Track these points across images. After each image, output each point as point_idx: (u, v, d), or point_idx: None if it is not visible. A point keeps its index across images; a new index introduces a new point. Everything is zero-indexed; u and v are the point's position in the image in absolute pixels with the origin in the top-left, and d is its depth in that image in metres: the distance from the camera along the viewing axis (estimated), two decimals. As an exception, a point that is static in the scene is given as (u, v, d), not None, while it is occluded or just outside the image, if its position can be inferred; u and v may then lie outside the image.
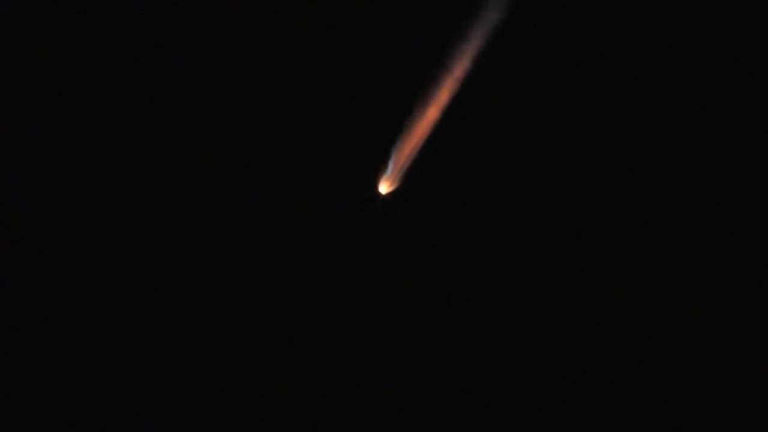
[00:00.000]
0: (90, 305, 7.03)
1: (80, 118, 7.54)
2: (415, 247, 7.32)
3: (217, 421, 6.76)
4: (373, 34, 7.51)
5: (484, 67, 7.13)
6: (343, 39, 7.54)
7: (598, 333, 6.90)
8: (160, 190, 7.36)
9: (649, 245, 7.03)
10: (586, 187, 7.23)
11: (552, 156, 7.32)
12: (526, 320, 7.06)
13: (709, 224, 6.98)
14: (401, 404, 6.87)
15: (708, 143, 7.07)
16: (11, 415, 6.63)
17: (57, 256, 7.15)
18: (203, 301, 7.12)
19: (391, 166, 7.37)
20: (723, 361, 6.66)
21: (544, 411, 6.74)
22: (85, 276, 7.11)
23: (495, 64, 7.21)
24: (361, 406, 6.86)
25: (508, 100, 7.44)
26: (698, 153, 7.07)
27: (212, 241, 7.26)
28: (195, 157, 7.42)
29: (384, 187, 7.50)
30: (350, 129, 7.47)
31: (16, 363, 6.79)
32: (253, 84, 7.59)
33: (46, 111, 7.56)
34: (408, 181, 7.40)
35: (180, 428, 6.72)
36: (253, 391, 6.87)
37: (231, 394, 6.84)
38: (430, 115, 7.21)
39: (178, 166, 7.41)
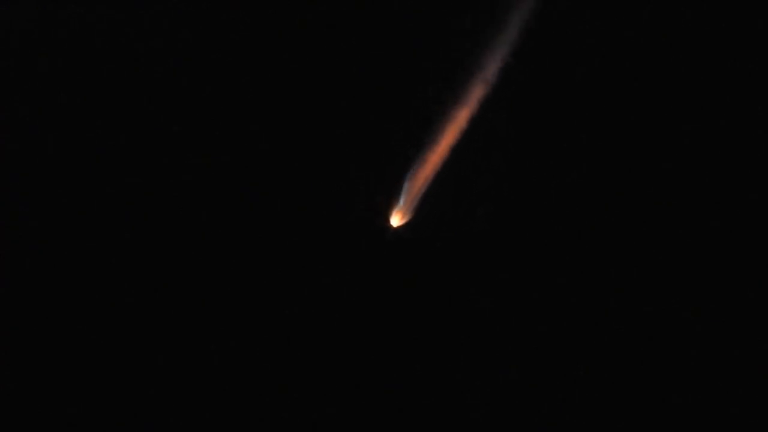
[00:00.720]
0: (90, 305, 7.09)
1: (80, 118, 7.45)
2: (427, 280, 7.31)
3: (217, 421, 6.89)
4: (386, 65, 7.28)
5: (497, 98, 6.96)
6: (357, 66, 7.30)
7: (600, 335, 6.99)
8: (160, 190, 7.36)
9: (651, 246, 7.06)
10: (602, 214, 7.18)
11: (567, 194, 7.22)
12: (529, 336, 7.11)
13: (709, 224, 6.99)
14: (401, 404, 7.04)
15: (708, 143, 7.00)
16: (11, 415, 6.72)
17: (57, 256, 7.18)
18: (203, 303, 7.20)
19: (402, 197, 7.27)
20: (723, 361, 6.71)
21: (544, 411, 6.86)
22: (85, 276, 7.16)
23: (508, 95, 7.03)
24: (361, 406, 7.03)
25: (523, 132, 7.29)
26: (698, 153, 7.02)
27: (214, 249, 7.32)
28: (195, 161, 7.39)
29: (396, 220, 7.41)
30: (362, 160, 7.37)
31: (16, 363, 6.87)
32: (264, 104, 7.43)
33: (46, 111, 7.45)
34: (420, 214, 7.31)
35: (180, 428, 6.86)
36: (253, 390, 7.01)
37: (231, 393, 6.97)
38: (444, 146, 7.08)
39: (179, 167, 7.40)
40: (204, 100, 7.51)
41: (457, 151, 7.14)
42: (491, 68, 6.96)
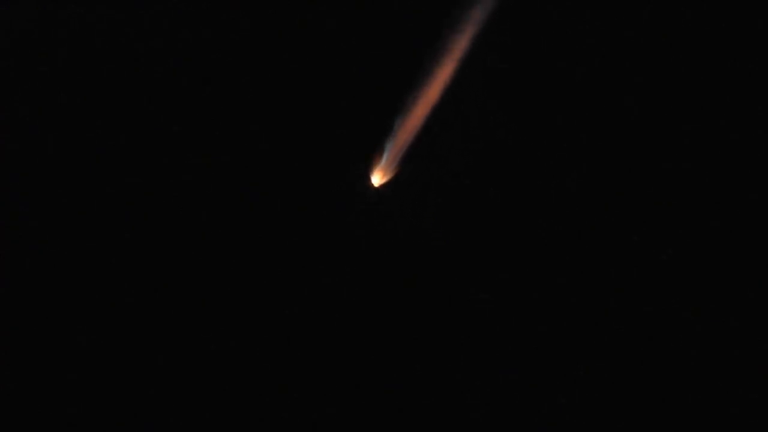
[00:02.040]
0: (90, 305, 6.88)
1: (80, 118, 7.46)
2: (410, 242, 7.00)
3: (217, 421, 6.62)
4: (366, 21, 7.33)
5: (480, 56, 6.94)
6: (336, 27, 7.36)
7: (598, 333, 6.69)
8: (160, 190, 7.24)
9: (649, 245, 6.87)
10: (586, 180, 6.98)
11: (552, 149, 7.06)
12: (525, 317, 6.71)
13: (709, 224, 6.85)
14: (401, 404, 6.68)
15: (708, 143, 6.94)
16: (11, 416, 6.54)
17: (57, 256, 7.01)
18: (202, 298, 6.92)
19: (384, 156, 7.04)
20: (723, 361, 6.50)
21: (544, 411, 6.53)
22: (84, 276, 6.96)
23: (492, 53, 7.04)
24: (360, 407, 6.68)
25: (507, 89, 7.19)
26: (698, 153, 6.94)
27: (205, 234, 7.03)
28: (191, 152, 7.29)
29: (377, 178, 7.17)
30: (342, 117, 7.22)
31: (16, 363, 6.68)
32: (245, 73, 7.42)
33: (46, 111, 7.50)
34: (402, 172, 7.09)
35: (180, 428, 6.60)
36: (253, 391, 6.68)
37: (231, 394, 6.65)
38: (425, 102, 6.94)
39: (176, 164, 7.32)
40: (202, 100, 7.54)
41: (441, 102, 7.02)
42: (476, 20, 6.96)
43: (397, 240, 7.04)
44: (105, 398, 6.61)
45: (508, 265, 6.91)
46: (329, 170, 7.20)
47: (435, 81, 6.98)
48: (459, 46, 6.94)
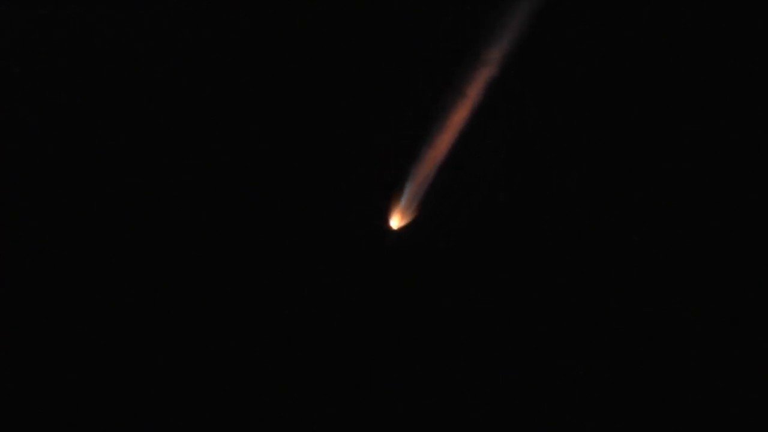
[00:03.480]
0: (90, 305, 6.91)
1: (80, 118, 7.34)
2: (429, 285, 7.01)
3: (217, 422, 6.71)
4: (386, 61, 7.21)
5: (500, 93, 6.88)
6: (358, 65, 7.23)
7: (602, 337, 6.81)
8: (160, 190, 7.22)
9: (652, 248, 6.95)
10: (603, 220, 7.02)
11: (568, 195, 7.05)
12: (539, 363, 6.80)
13: (709, 224, 6.90)
14: (402, 409, 6.74)
15: (708, 143, 6.95)
16: (11, 415, 6.57)
17: (57, 257, 7.00)
18: (202, 303, 6.98)
19: (403, 198, 7.01)
20: (723, 361, 6.59)
21: (545, 412, 6.65)
22: (84, 276, 6.98)
23: (511, 90, 6.95)
24: (361, 410, 6.75)
25: (522, 131, 7.14)
26: (698, 153, 6.96)
27: (213, 249, 7.09)
28: (194, 161, 7.24)
29: (396, 221, 7.14)
30: (361, 160, 7.18)
31: (16, 363, 6.71)
32: (262, 104, 7.31)
33: (46, 111, 7.33)
34: (422, 214, 7.07)
35: (180, 428, 6.68)
36: (252, 393, 6.78)
37: (229, 395, 6.75)
38: (443, 146, 6.89)
39: (178, 168, 7.25)
40: (203, 99, 7.41)
41: (459, 147, 6.97)
42: (490, 67, 6.86)
43: (415, 283, 7.07)
44: (105, 398, 6.68)
45: (526, 311, 6.97)
46: (348, 212, 7.18)
47: (452, 124, 6.92)
48: (475, 89, 6.87)
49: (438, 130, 6.96)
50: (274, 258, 7.09)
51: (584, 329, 6.84)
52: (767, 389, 6.44)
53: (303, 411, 6.68)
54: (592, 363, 6.75)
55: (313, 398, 6.74)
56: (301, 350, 6.91)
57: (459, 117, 6.93)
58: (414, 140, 7.02)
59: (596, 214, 7.06)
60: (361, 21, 7.32)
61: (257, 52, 7.44)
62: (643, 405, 6.59)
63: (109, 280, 6.98)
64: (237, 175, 7.25)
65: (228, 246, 7.12)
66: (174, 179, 7.24)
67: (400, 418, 6.64)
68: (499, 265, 7.08)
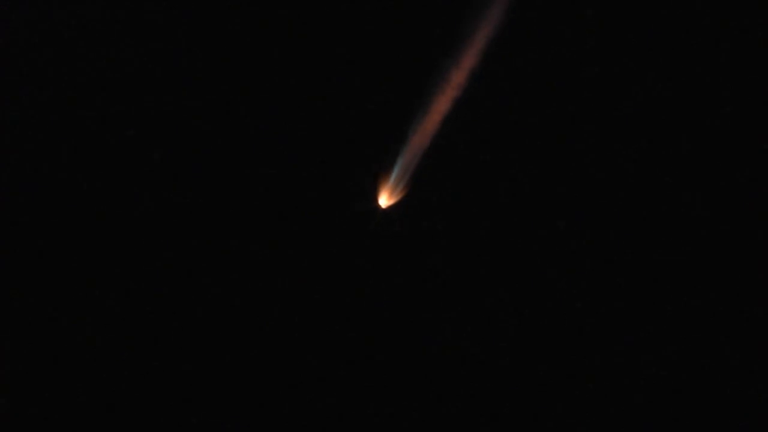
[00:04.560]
0: (90, 305, 6.95)
1: (79, 118, 7.36)
2: (417, 264, 7.01)
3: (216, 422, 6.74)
4: (373, 39, 7.16)
5: (487, 73, 6.83)
6: (343, 44, 7.19)
7: (602, 340, 6.80)
8: (158, 191, 7.22)
9: (654, 251, 6.89)
10: (594, 191, 6.96)
11: (559, 171, 6.99)
12: (531, 336, 6.83)
13: (710, 225, 6.84)
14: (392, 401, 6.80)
15: (708, 144, 6.87)
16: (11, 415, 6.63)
17: (57, 257, 7.05)
18: (198, 302, 7.01)
19: (392, 177, 6.98)
20: (723, 361, 6.58)
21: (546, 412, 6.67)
22: (84, 276, 7.02)
23: (499, 70, 6.91)
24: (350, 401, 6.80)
25: (514, 106, 7.08)
26: (699, 154, 6.88)
27: (204, 239, 7.09)
28: (191, 156, 7.24)
29: (384, 199, 7.12)
30: (349, 140, 7.15)
31: (16, 363, 6.77)
32: (249, 87, 7.29)
33: (46, 111, 7.37)
34: (410, 192, 7.03)
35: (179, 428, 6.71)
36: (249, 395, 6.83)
37: (228, 396, 6.80)
38: (432, 124, 6.84)
39: (175, 167, 7.27)
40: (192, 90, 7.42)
41: (447, 125, 6.94)
42: (485, 38, 6.82)
43: (404, 262, 7.07)
44: (105, 398, 6.72)
45: (515, 288, 6.97)
46: (336, 191, 7.18)
47: (441, 103, 6.89)
48: (464, 69, 6.83)
49: (425, 111, 6.93)
50: (264, 239, 7.12)
51: (572, 315, 6.87)
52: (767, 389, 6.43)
53: (297, 400, 6.75)
54: (580, 355, 6.78)
55: (307, 385, 6.80)
56: (293, 333, 6.94)
57: (446, 98, 6.91)
58: (402, 121, 7.00)
59: (588, 193, 7.02)
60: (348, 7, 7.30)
61: (237, 40, 7.43)
62: (643, 405, 6.59)
63: (108, 280, 7.03)
64: (224, 154, 7.27)
65: (218, 225, 7.17)
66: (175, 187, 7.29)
67: (395, 405, 6.72)
68: (487, 246, 7.05)
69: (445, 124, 6.96)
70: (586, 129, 7.03)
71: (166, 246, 7.12)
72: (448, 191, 7.14)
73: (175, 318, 6.97)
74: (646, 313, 6.78)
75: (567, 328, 6.83)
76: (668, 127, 6.93)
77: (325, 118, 7.24)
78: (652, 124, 6.95)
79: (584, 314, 6.84)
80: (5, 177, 7.22)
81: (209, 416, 6.73)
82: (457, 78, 6.86)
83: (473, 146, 7.12)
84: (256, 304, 7.02)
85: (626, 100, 6.98)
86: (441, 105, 6.92)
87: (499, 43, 6.80)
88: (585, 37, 6.99)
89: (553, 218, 6.99)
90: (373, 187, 7.13)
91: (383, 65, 7.17)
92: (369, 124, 7.17)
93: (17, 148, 7.28)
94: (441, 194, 7.13)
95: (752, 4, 6.74)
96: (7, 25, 7.71)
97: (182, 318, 6.97)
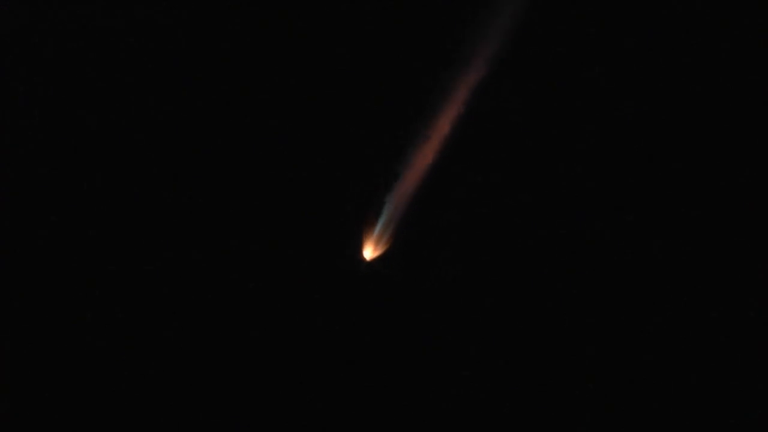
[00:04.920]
0: (89, 306, 6.91)
1: (79, 118, 7.32)
2: (401, 316, 6.98)
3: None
4: (357, 96, 7.25)
5: (469, 132, 6.95)
6: (329, 98, 7.28)
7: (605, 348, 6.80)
8: (155, 196, 7.20)
9: (658, 256, 6.88)
10: (579, 256, 6.98)
11: (541, 227, 7.05)
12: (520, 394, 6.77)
13: (710, 226, 6.82)
14: None
15: (709, 145, 6.87)
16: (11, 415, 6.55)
17: (56, 257, 7.00)
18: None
19: (376, 230, 7.01)
20: (723, 362, 6.55)
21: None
22: (84, 277, 6.97)
23: (482, 122, 7.00)
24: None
25: (500, 159, 7.15)
26: (699, 154, 6.88)
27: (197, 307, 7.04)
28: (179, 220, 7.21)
29: (368, 253, 7.11)
30: (335, 192, 7.20)
31: (16, 363, 6.71)
32: (232, 140, 7.31)
33: (45, 111, 7.33)
34: (395, 245, 7.05)
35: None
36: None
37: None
38: (416, 179, 6.94)
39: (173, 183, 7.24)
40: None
41: (436, 173, 7.04)
42: (467, 91, 6.92)
43: (387, 314, 7.04)
44: (104, 398, 6.69)
45: (500, 340, 6.94)
46: (321, 244, 7.18)
47: (425, 158, 6.98)
48: (446, 123, 6.92)
49: (409, 163, 7.02)
50: (248, 290, 7.10)
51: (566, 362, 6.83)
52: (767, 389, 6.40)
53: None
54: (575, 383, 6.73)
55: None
56: (276, 386, 6.88)
57: (429, 151, 7.00)
58: (387, 172, 7.09)
59: (566, 253, 7.03)
60: (332, 57, 7.33)
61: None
62: (642, 405, 6.56)
63: (107, 280, 7.00)
64: (215, 203, 7.28)
65: (207, 274, 7.13)
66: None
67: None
68: (471, 295, 7.05)
69: (429, 177, 7.05)
70: (570, 188, 7.09)
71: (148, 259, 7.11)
72: (433, 243, 7.16)
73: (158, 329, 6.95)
74: (646, 313, 6.77)
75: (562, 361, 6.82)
76: (669, 131, 6.95)
77: (313, 170, 7.28)
78: (655, 139, 6.97)
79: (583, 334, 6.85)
80: (5, 177, 7.18)
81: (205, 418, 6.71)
82: (439, 135, 6.95)
83: (455, 202, 7.19)
84: (243, 359, 6.96)
85: (628, 135, 7.01)
86: (425, 159, 7.00)
87: (481, 95, 6.89)
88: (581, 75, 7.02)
89: (540, 271, 7.01)
90: (358, 240, 7.15)
91: (367, 119, 7.24)
92: (355, 178, 7.22)
93: (17, 148, 7.24)
94: (425, 247, 7.15)
95: (752, 4, 6.75)
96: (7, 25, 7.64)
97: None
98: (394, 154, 7.01)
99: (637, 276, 6.88)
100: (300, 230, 7.17)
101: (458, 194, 7.15)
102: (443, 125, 6.92)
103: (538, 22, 6.84)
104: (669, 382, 6.59)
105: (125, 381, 6.73)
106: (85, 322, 6.88)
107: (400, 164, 6.99)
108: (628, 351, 6.74)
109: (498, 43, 6.75)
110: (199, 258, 7.10)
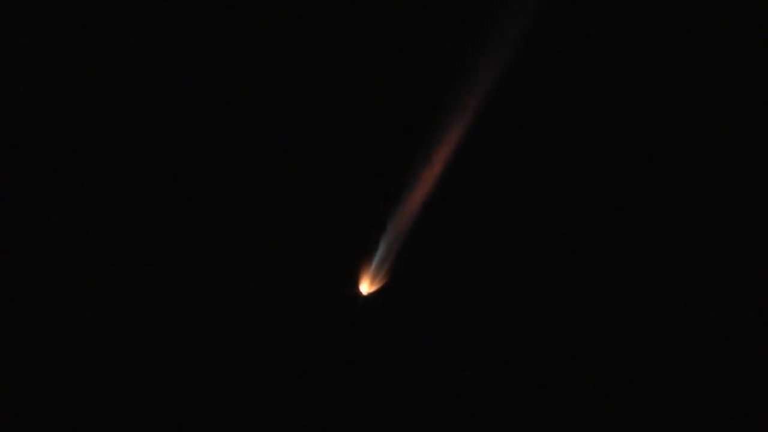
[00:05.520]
0: (89, 306, 6.86)
1: (79, 118, 7.21)
2: (398, 352, 6.96)
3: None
4: (353, 127, 7.21)
5: (464, 168, 6.95)
6: (325, 134, 7.24)
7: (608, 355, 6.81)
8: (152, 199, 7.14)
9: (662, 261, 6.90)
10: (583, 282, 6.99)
11: (541, 260, 7.05)
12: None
13: (710, 226, 6.84)
14: None
15: (709, 145, 6.89)
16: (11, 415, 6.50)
17: (56, 257, 6.93)
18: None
19: (373, 264, 6.95)
20: (723, 362, 6.58)
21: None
22: (84, 277, 6.91)
23: (476, 163, 7.02)
24: None
25: (494, 197, 7.15)
26: (699, 154, 6.89)
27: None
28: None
29: (365, 287, 7.05)
30: (331, 227, 7.13)
31: (16, 363, 6.65)
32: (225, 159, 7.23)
33: (45, 111, 7.20)
34: (392, 280, 7.00)
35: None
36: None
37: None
38: (412, 212, 6.90)
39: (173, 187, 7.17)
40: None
41: (431, 208, 7.01)
42: (463, 122, 6.87)
43: (385, 349, 7.02)
44: (104, 398, 6.66)
45: (502, 374, 6.92)
46: (319, 279, 7.13)
47: (421, 191, 6.94)
48: (441, 157, 6.89)
49: (406, 196, 6.98)
50: (243, 324, 7.04)
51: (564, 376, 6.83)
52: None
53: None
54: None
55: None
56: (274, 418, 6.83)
57: (425, 184, 6.96)
58: (383, 206, 7.05)
59: (583, 269, 7.03)
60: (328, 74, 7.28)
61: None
62: (643, 405, 6.59)
63: (107, 281, 6.96)
64: (209, 237, 7.21)
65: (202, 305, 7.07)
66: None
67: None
68: (470, 329, 7.04)
69: (424, 213, 7.01)
70: (571, 221, 7.09)
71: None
72: (430, 277, 7.14)
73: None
74: (646, 313, 6.80)
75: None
76: (670, 131, 6.96)
77: (310, 210, 7.23)
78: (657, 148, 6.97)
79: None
80: (5, 177, 7.10)
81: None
82: (434, 170, 6.93)
83: (452, 236, 7.16)
84: (240, 391, 6.91)
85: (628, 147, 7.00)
86: (420, 195, 6.97)
87: (475, 134, 6.85)
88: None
89: (538, 315, 6.99)
90: (355, 274, 7.09)
91: (366, 158, 7.21)
92: (351, 211, 7.17)
93: (17, 148, 7.15)
94: (422, 281, 7.12)
95: (752, 4, 6.75)
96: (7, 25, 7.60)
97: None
98: (392, 186, 6.97)
99: (638, 276, 6.89)
100: (296, 265, 7.13)
101: (455, 227, 7.14)
102: (442, 153, 6.89)
103: (538, 23, 6.78)
104: (669, 382, 6.61)
105: (125, 381, 6.69)
106: (85, 322, 6.82)
107: (397, 197, 6.94)
108: (628, 351, 6.75)
109: (496, 52, 6.72)
110: (197, 267, 7.08)
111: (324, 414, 6.78)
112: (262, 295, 7.05)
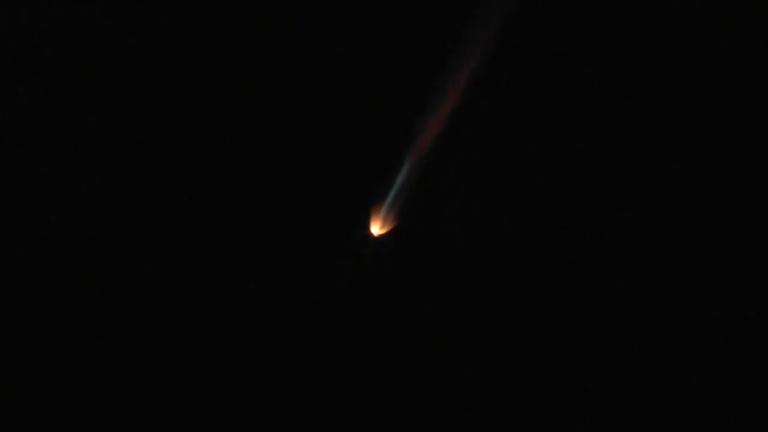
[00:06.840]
0: (89, 306, 6.89)
1: (79, 118, 7.16)
2: (409, 295, 6.95)
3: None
4: (364, 68, 7.10)
5: (479, 104, 6.82)
6: (335, 75, 7.12)
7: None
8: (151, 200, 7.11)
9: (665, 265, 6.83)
10: (599, 208, 6.91)
11: (554, 198, 6.92)
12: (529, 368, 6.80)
13: (710, 225, 6.78)
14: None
15: (709, 145, 6.80)
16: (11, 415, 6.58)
17: (56, 257, 6.95)
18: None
19: (384, 205, 6.86)
20: (723, 362, 6.56)
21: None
22: (84, 276, 6.94)
23: (491, 95, 6.87)
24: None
25: (507, 137, 7.01)
26: (699, 154, 6.81)
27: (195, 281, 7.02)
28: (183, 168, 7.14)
29: (377, 228, 6.98)
30: (341, 167, 7.06)
31: (16, 363, 6.71)
32: (238, 109, 7.18)
33: (45, 111, 7.14)
34: (404, 220, 6.92)
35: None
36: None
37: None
38: (425, 151, 6.76)
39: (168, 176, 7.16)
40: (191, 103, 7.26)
41: (439, 154, 6.87)
42: (476, 62, 6.73)
43: (396, 292, 7.01)
44: (104, 398, 6.70)
45: (511, 318, 6.92)
46: (328, 220, 7.09)
47: (433, 131, 6.80)
48: (455, 96, 6.75)
49: (418, 136, 6.84)
50: (252, 268, 7.05)
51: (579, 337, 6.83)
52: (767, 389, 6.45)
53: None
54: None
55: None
56: (282, 365, 6.90)
57: (438, 124, 6.81)
58: (394, 147, 6.94)
59: (587, 216, 6.96)
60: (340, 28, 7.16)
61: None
62: (643, 405, 6.59)
63: (106, 282, 6.98)
64: (214, 179, 7.20)
65: (206, 252, 7.10)
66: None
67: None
68: (481, 273, 7.00)
69: (437, 152, 6.88)
70: (590, 143, 6.98)
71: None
72: (442, 220, 7.05)
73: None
74: (646, 313, 6.78)
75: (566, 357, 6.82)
76: (669, 131, 6.88)
77: (319, 147, 7.17)
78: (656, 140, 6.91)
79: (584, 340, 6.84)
80: (5, 177, 7.09)
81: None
82: (449, 105, 6.77)
83: (465, 178, 7.06)
84: (247, 335, 6.96)
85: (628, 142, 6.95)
86: (434, 132, 6.81)
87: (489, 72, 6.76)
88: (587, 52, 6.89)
89: (549, 255, 6.94)
90: (365, 215, 7.03)
91: (375, 92, 7.10)
92: (362, 154, 7.09)
93: (17, 148, 7.12)
94: (434, 223, 7.04)
95: (752, 4, 6.65)
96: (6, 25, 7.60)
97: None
98: (403, 130, 6.89)
99: (637, 276, 6.83)
100: (306, 206, 7.11)
101: (468, 169, 7.04)
102: (453, 98, 6.74)
103: (537, 21, 6.71)
104: (669, 382, 6.60)
105: (125, 381, 6.75)
106: (85, 322, 6.86)
107: (409, 139, 6.85)
108: (629, 351, 6.72)
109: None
110: (201, 239, 7.08)
111: (332, 372, 6.87)
112: (269, 238, 7.07)
